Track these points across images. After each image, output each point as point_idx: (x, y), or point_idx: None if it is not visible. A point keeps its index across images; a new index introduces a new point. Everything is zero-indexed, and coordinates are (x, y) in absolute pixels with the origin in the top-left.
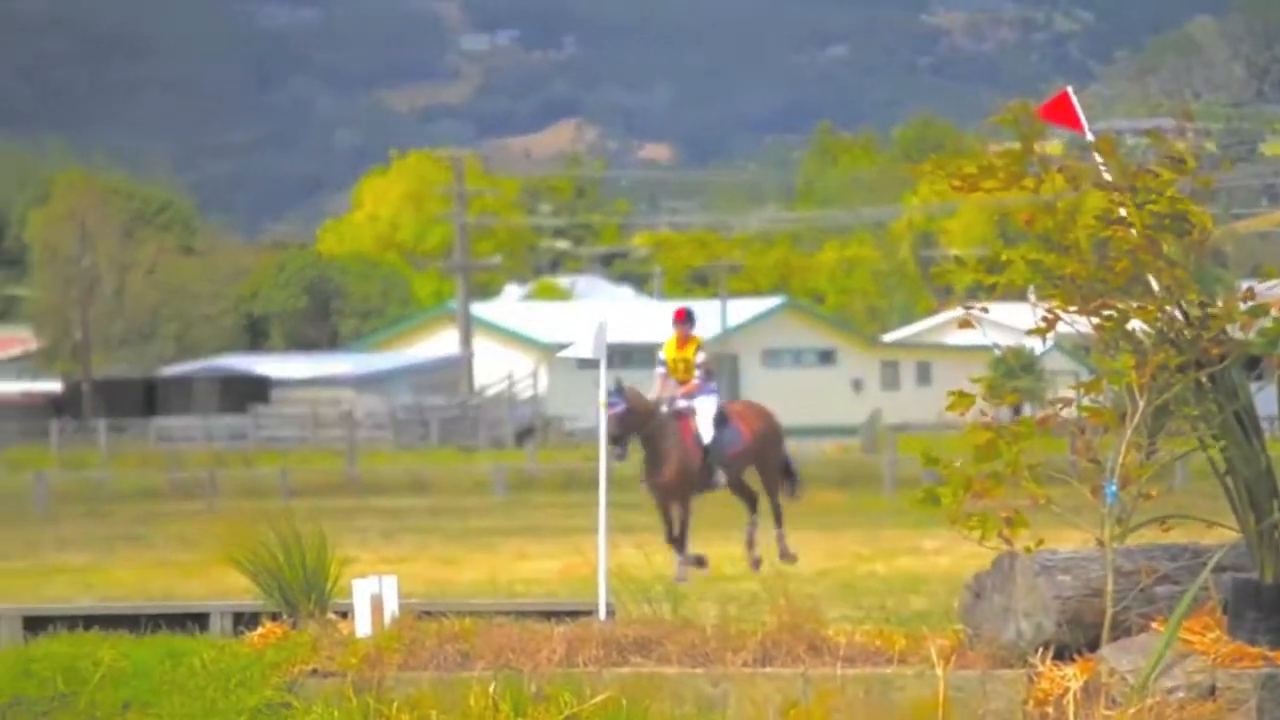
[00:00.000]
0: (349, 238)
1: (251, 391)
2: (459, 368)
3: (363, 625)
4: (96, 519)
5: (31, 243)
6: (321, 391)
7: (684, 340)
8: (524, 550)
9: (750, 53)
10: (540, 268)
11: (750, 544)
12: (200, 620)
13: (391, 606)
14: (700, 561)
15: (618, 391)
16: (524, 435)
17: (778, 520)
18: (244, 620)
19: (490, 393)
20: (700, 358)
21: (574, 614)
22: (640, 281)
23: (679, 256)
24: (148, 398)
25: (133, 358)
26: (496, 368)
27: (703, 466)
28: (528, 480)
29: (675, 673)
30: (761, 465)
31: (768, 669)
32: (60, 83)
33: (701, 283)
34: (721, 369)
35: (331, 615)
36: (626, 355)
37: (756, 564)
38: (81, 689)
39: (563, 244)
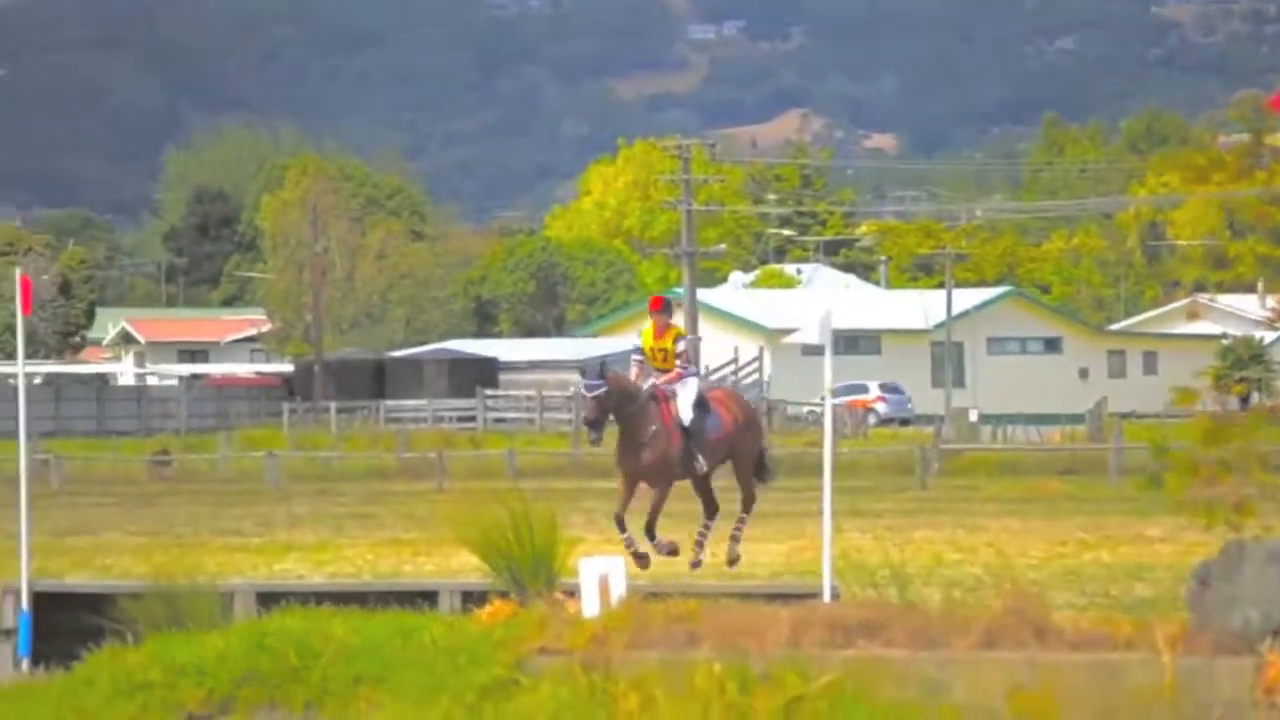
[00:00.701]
0: (576, 224)
1: (479, 374)
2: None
3: (590, 605)
4: (327, 498)
5: (265, 227)
6: (548, 375)
7: (662, 329)
8: (747, 534)
9: (978, 44)
10: (765, 255)
11: (699, 545)
12: (430, 598)
13: (618, 587)
14: (673, 550)
15: (599, 374)
16: None
17: (745, 507)
18: (473, 598)
19: (714, 378)
20: (680, 347)
21: (799, 596)
22: (865, 270)
23: (904, 245)
24: (377, 379)
25: (363, 340)
26: (721, 353)
27: (683, 450)
28: None
29: (900, 656)
30: (739, 454)
31: (993, 653)
32: (295, 72)
33: (927, 272)
34: (947, 357)
35: (559, 595)
36: (851, 342)
37: (697, 564)
38: (314, 663)
39: (788, 232)
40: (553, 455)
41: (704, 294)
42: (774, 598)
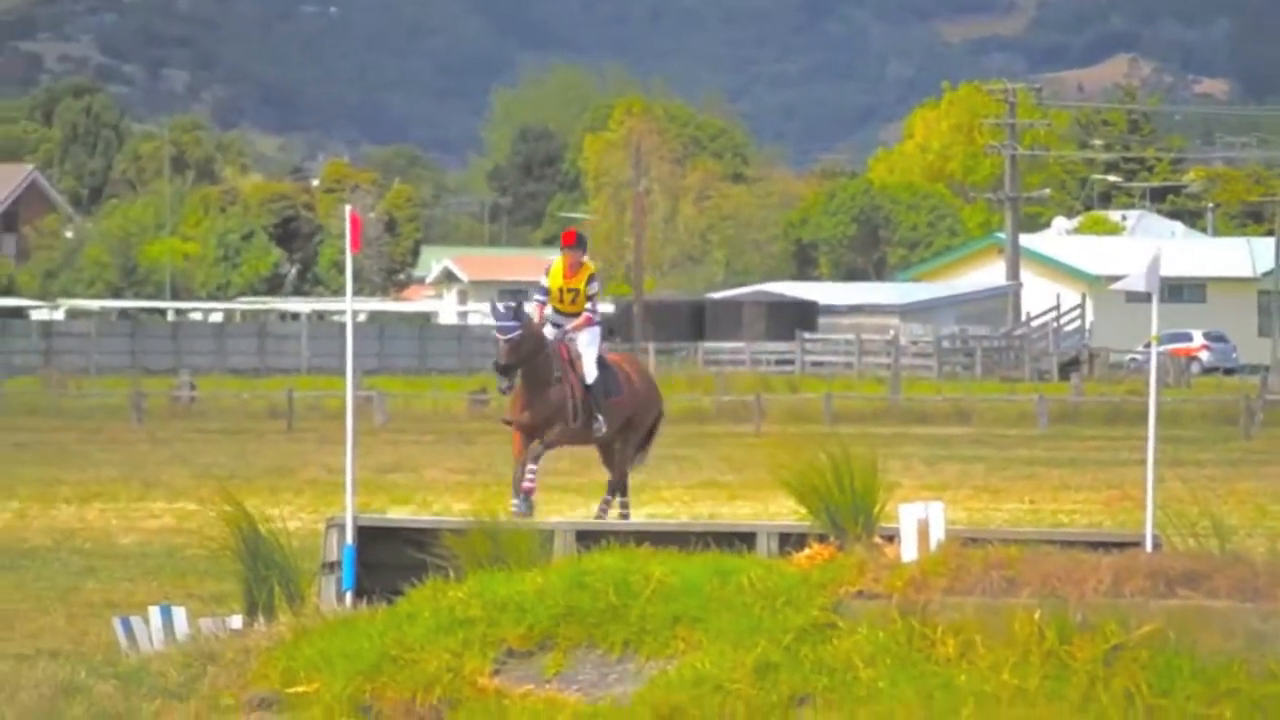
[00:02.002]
0: (899, 168)
1: (799, 317)
2: (1005, 298)
3: (908, 550)
4: None
5: (588, 167)
6: (867, 319)
7: (575, 267)
8: (1066, 481)
9: None
10: (1090, 201)
11: (600, 516)
12: (747, 540)
13: (937, 532)
14: (527, 497)
15: (515, 315)
16: (1069, 367)
17: (621, 489)
18: (790, 541)
19: (1036, 324)
20: (594, 288)
21: (1120, 545)
22: (1192, 217)
23: (1233, 192)
24: (696, 321)
25: (683, 281)
26: (1043, 299)
27: (584, 409)
28: (1071, 412)
29: (1224, 606)
30: (634, 424)
31: None
32: (621, 11)
33: (1255, 219)
34: (1275, 306)
35: (878, 539)
36: (1176, 290)
37: None
38: (632, 602)
39: (1113, 178)
40: (870, 399)
41: (1026, 239)
42: (1095, 546)
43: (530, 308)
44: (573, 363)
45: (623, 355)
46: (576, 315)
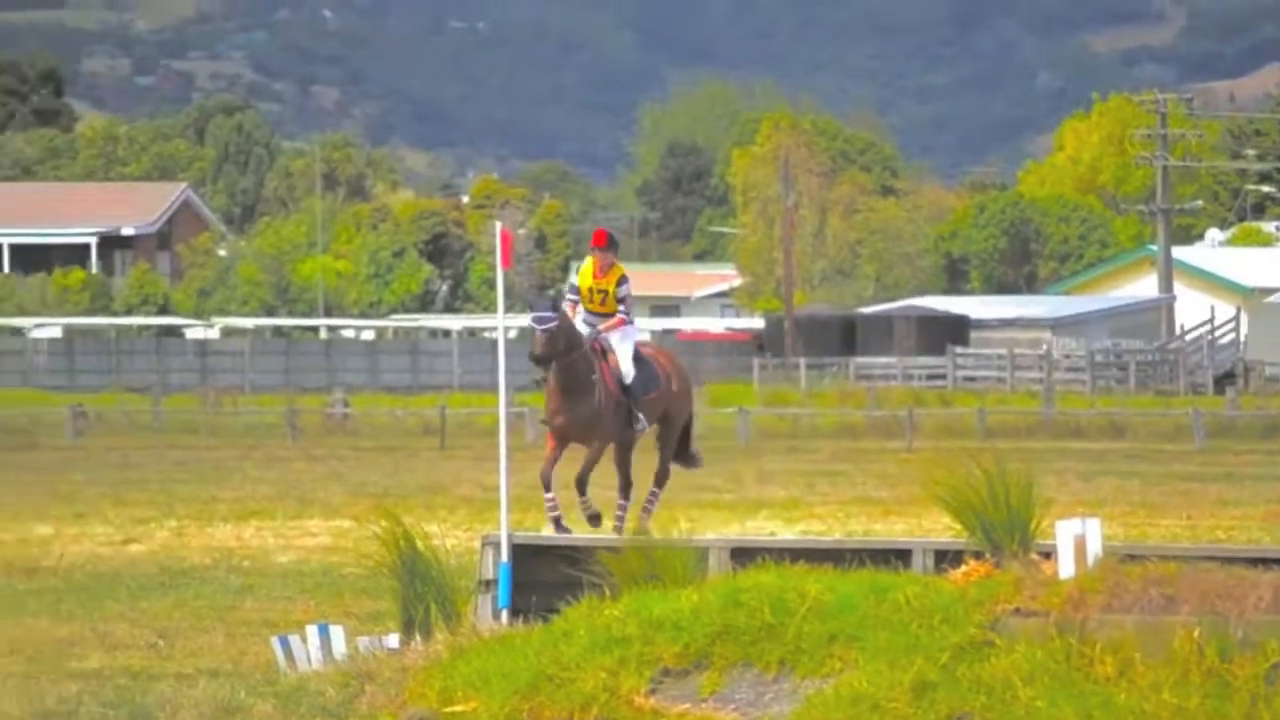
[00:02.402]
0: (1049, 180)
1: (950, 332)
2: (1159, 311)
3: (1066, 567)
4: (797, 455)
5: (736, 182)
6: (1019, 333)
7: (605, 268)
8: (1223, 497)
9: None
10: (1243, 213)
11: (619, 529)
12: (903, 557)
13: (1094, 549)
14: (596, 519)
15: (551, 307)
16: (1224, 381)
17: (659, 480)
18: (946, 558)
19: (1190, 337)
20: (623, 290)
21: None
22: None
23: None
24: (847, 336)
25: (833, 296)
26: (1196, 312)
27: (623, 408)
28: (1227, 427)
29: None
30: (670, 418)
31: None
32: (768, 25)
33: None
34: None
35: (1034, 556)
36: None
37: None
38: (788, 620)
39: (1267, 188)
40: (1024, 414)
41: (1179, 251)
42: (1255, 562)
43: (565, 306)
44: (606, 356)
45: (655, 348)
46: (608, 316)
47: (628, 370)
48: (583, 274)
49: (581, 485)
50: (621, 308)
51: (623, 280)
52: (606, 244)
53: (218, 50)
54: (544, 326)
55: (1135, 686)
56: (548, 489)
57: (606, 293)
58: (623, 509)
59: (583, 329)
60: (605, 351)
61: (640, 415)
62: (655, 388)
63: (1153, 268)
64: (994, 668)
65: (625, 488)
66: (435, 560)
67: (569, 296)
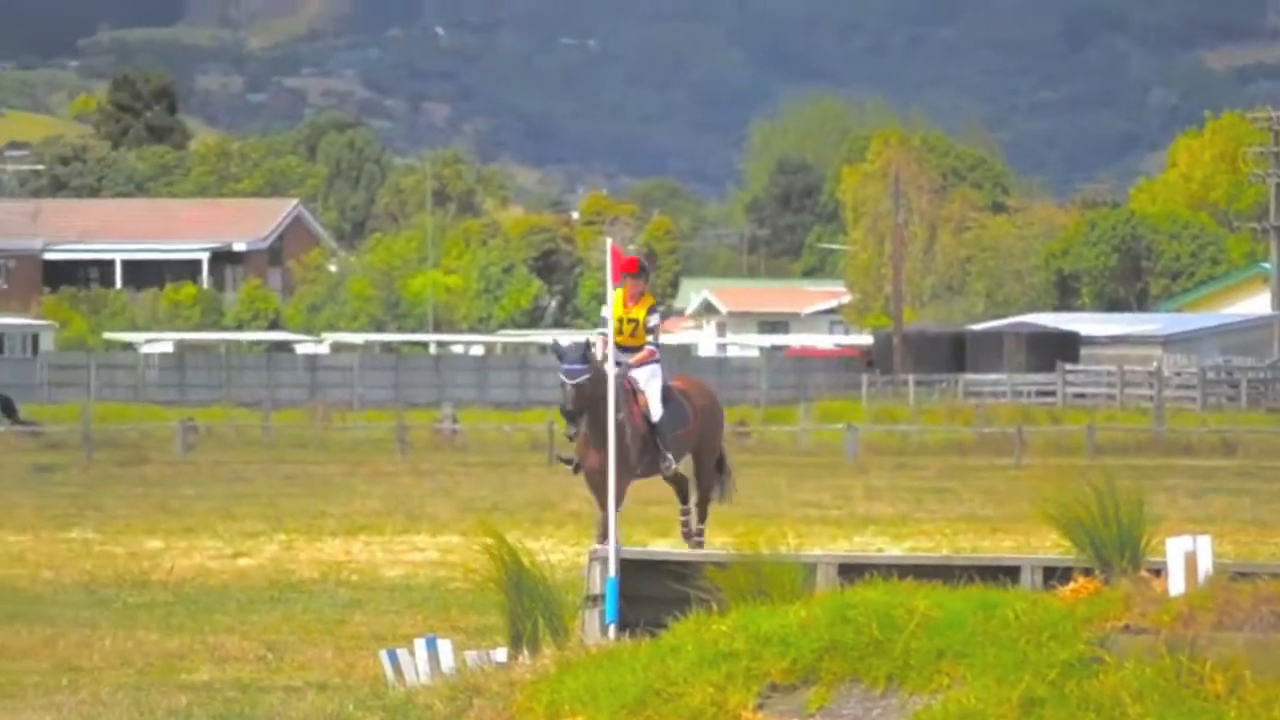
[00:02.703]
0: (1161, 197)
1: (1060, 349)
2: (1271, 329)
3: (1176, 584)
4: (905, 471)
5: (846, 198)
6: (1130, 350)
7: (634, 297)
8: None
9: None
10: None
11: (688, 535)
12: (1011, 573)
13: (1205, 566)
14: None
15: (582, 358)
16: None
17: (701, 516)
18: (1055, 575)
19: None
20: (654, 320)
21: None
22: None
23: None
24: (956, 352)
25: (942, 312)
26: None
27: (651, 448)
28: None
29: None
30: (702, 449)
31: None
32: (879, 42)
33: None
34: None
35: (1144, 573)
36: None
37: (699, 544)
38: (896, 636)
39: None
40: (1133, 431)
41: None
42: None
43: (595, 341)
44: (636, 397)
45: (683, 379)
46: (637, 349)
47: (656, 410)
48: (616, 304)
49: (604, 532)
50: (650, 339)
51: (653, 309)
52: (638, 271)
53: (329, 67)
54: (575, 381)
55: (1245, 704)
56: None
57: (637, 322)
58: (686, 512)
59: (610, 368)
60: (635, 392)
61: (668, 455)
62: (683, 425)
63: (1265, 285)
64: (1103, 685)
65: (682, 491)
66: (542, 575)
67: (601, 332)
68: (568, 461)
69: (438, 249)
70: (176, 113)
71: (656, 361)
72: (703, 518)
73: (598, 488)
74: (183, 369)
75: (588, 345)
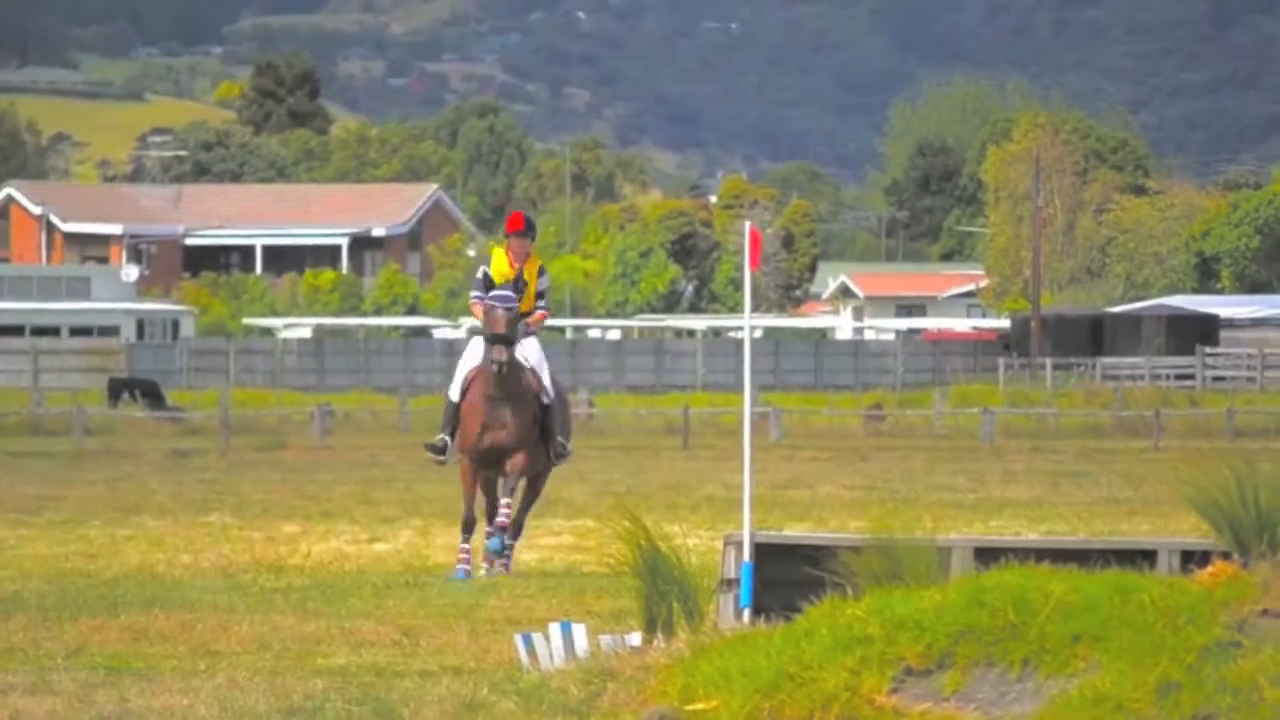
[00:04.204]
0: None
1: (1200, 331)
2: None
3: None
4: (1042, 455)
5: (987, 180)
6: (1271, 333)
7: (521, 257)
8: None
9: None
10: None
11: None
12: (1148, 557)
13: None
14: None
15: (516, 288)
16: None
17: (515, 530)
18: (1192, 559)
19: None
20: (544, 282)
21: None
22: None
23: None
24: (1095, 335)
25: (1081, 296)
26: None
27: (544, 430)
28: None
29: None
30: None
31: None
32: (1023, 24)
33: None
34: None
35: None
36: None
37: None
38: (1031, 620)
39: None
40: (1274, 414)
41: None
42: None
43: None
44: (531, 370)
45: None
46: (527, 315)
47: (550, 391)
48: (495, 265)
49: (510, 490)
50: (541, 302)
51: (543, 271)
52: (525, 228)
53: (471, 52)
54: (506, 305)
55: None
56: (469, 533)
57: (527, 284)
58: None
59: (475, 350)
60: (530, 366)
61: (562, 440)
62: (565, 409)
63: None
64: (1240, 669)
65: (494, 514)
66: (677, 559)
67: (474, 295)
68: (438, 450)
69: (576, 233)
70: (318, 98)
71: (536, 333)
72: (517, 532)
73: (488, 472)
74: (321, 354)
75: (518, 280)
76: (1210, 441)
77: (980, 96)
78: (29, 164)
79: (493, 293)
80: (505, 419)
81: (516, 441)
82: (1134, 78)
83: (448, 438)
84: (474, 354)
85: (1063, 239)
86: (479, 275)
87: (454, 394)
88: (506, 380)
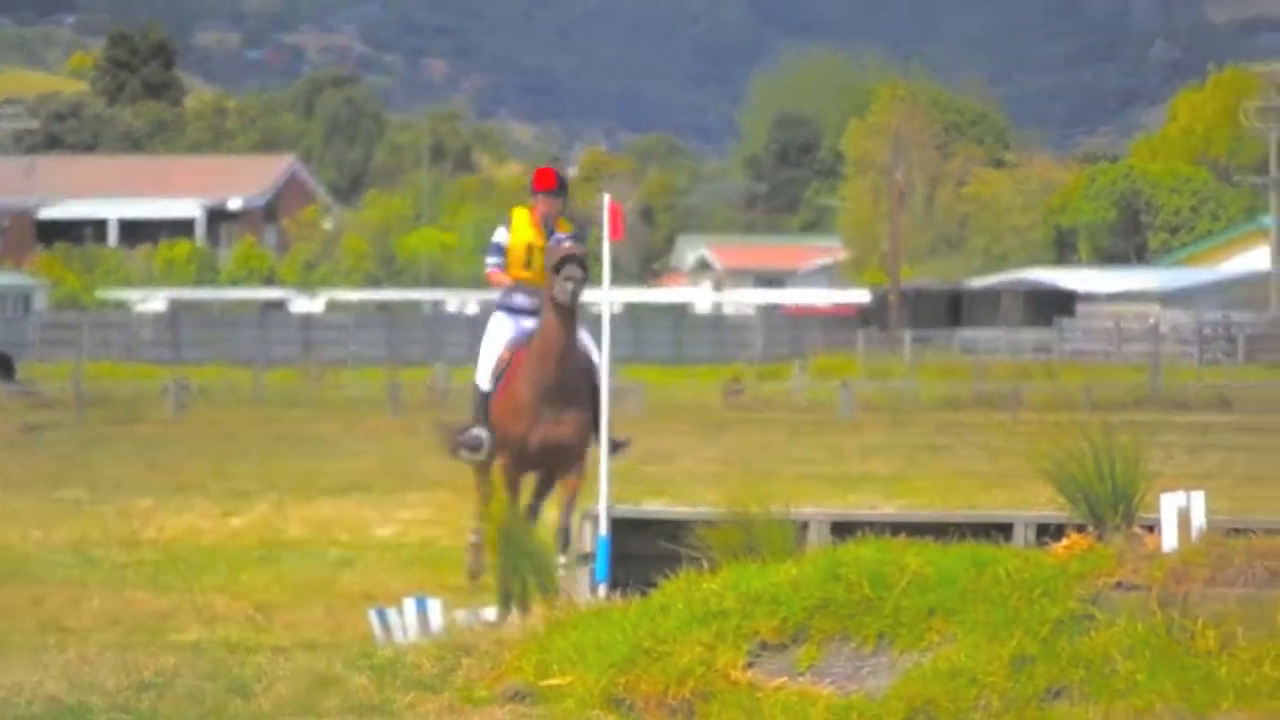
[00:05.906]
0: (1161, 151)
1: (1057, 304)
2: (1269, 284)
3: (1169, 540)
4: (900, 428)
5: (846, 153)
6: (1127, 306)
7: (551, 220)
8: None
9: None
10: None
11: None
12: (1004, 530)
13: (1199, 522)
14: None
15: (577, 237)
16: None
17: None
18: (1048, 531)
19: None
20: (581, 248)
21: None
22: None
23: None
24: (953, 309)
25: (939, 269)
26: None
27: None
28: None
29: None
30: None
31: None
32: None
33: None
34: None
35: (1137, 529)
36: None
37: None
38: (886, 594)
39: None
40: (1130, 387)
41: None
42: None
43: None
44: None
45: None
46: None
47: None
48: (517, 227)
49: (567, 535)
50: None
51: (579, 237)
52: (556, 186)
53: (328, 23)
54: (575, 238)
55: (1237, 660)
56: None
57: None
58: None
59: (504, 326)
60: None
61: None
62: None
63: (1264, 240)
64: (1094, 641)
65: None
66: (533, 534)
67: (491, 261)
68: (473, 447)
69: (434, 206)
70: (173, 69)
71: None
72: (565, 542)
73: (534, 469)
74: (176, 327)
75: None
76: (1068, 414)
77: (838, 68)
78: None
79: (554, 235)
80: (565, 409)
81: (579, 439)
82: (992, 50)
83: (483, 432)
84: (502, 331)
85: (922, 212)
86: (495, 240)
87: (483, 381)
88: (561, 376)
